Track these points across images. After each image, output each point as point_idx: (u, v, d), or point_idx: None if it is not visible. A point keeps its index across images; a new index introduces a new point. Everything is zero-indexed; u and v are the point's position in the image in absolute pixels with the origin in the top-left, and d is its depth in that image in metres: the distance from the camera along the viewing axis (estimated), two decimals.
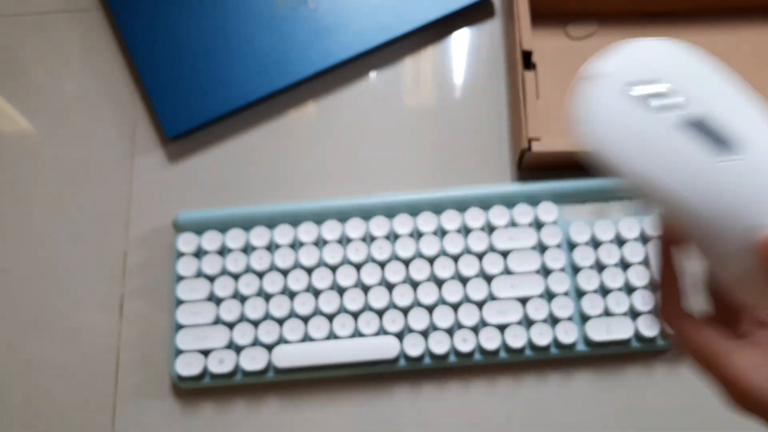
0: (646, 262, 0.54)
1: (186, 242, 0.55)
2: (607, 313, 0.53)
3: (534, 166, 0.59)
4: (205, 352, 0.53)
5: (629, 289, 0.54)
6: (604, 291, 0.54)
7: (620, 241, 0.55)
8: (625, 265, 0.54)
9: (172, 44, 0.61)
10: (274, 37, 0.61)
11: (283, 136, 0.62)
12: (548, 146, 0.55)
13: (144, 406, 0.54)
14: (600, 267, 0.54)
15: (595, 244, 0.55)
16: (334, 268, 0.54)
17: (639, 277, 0.53)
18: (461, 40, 0.64)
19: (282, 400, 0.54)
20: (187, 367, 0.52)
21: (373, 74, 0.63)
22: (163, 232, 0.58)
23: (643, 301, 0.53)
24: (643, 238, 0.55)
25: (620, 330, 0.52)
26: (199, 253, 0.56)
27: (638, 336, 0.53)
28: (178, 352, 0.53)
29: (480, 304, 0.53)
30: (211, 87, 0.60)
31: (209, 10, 0.62)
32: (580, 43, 0.63)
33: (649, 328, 0.52)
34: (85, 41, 0.65)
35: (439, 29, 0.64)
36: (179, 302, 0.54)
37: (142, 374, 0.55)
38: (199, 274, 0.55)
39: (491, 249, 0.55)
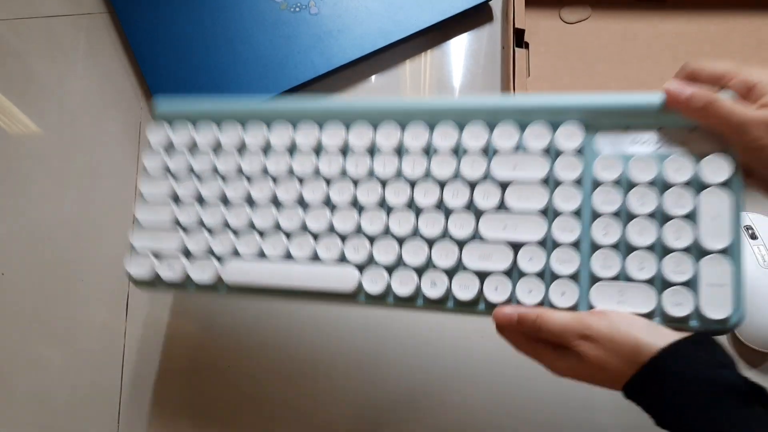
0: (693, 217, 0.40)
1: (158, 133, 0.50)
2: (624, 276, 0.40)
3: None
4: (158, 255, 0.49)
5: (663, 251, 0.40)
6: (626, 248, 0.41)
7: (663, 186, 0.41)
8: (664, 217, 0.40)
9: (177, 47, 0.62)
10: (276, 41, 0.62)
11: None
12: None
13: (148, 402, 0.55)
14: (628, 216, 0.41)
15: (628, 185, 0.41)
16: (301, 180, 0.47)
17: (679, 235, 0.39)
18: (460, 44, 0.64)
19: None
20: (139, 268, 0.48)
21: (373, 78, 0.63)
22: None
23: (676, 268, 0.39)
24: (698, 185, 0.40)
25: (636, 301, 0.39)
26: (176, 147, 0.50)
27: (661, 313, 0.40)
28: (133, 249, 0.49)
29: (461, 243, 0.43)
30: (214, 90, 0.61)
31: (213, 14, 0.63)
32: (574, 26, 0.63)
33: (677, 305, 0.39)
34: (91, 44, 0.66)
35: (438, 34, 0.64)
36: (141, 197, 0.50)
37: (148, 372, 0.56)
38: (168, 171, 0.50)
39: (488, 176, 0.43)
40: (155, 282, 0.48)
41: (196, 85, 0.61)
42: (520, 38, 0.58)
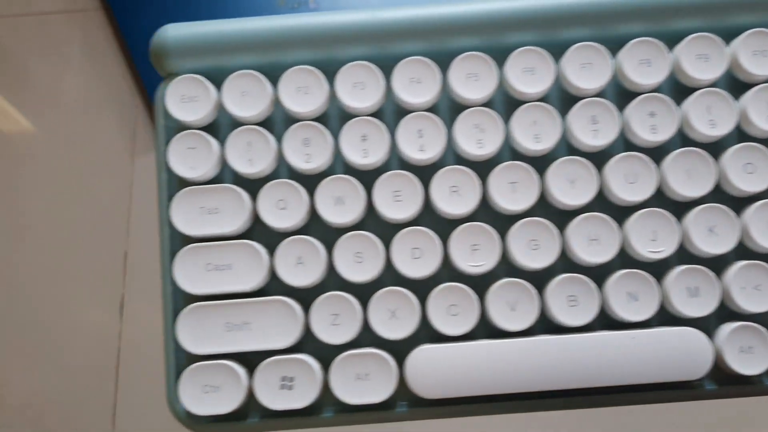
0: None
1: (187, 97, 0.24)
2: None
3: None
4: (246, 359, 0.24)
5: None
6: None
7: None
8: None
9: None
10: None
11: None
12: None
13: (145, 407, 0.53)
14: None
15: None
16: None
17: None
18: None
19: None
20: (206, 397, 0.23)
21: None
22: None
23: None
24: None
25: None
26: (215, 126, 0.25)
27: None
28: (186, 358, 0.24)
29: None
30: None
31: (210, 10, 0.62)
32: None
33: None
34: (86, 41, 0.64)
35: None
36: (182, 240, 0.25)
37: (143, 375, 0.54)
38: (220, 176, 0.25)
39: None
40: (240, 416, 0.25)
41: None
42: None
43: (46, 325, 0.57)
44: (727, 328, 0.23)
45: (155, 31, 0.63)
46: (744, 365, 0.22)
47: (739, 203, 0.23)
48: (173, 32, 0.25)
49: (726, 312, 0.23)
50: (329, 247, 0.23)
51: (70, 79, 0.64)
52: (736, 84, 0.24)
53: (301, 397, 0.23)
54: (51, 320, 0.57)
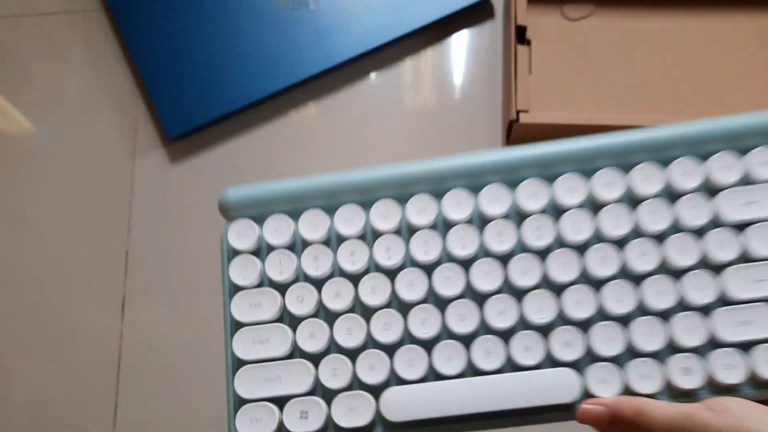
0: None
1: (241, 233, 0.37)
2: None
3: (522, 140, 0.57)
4: (278, 401, 0.36)
5: None
6: None
7: None
8: None
9: (173, 45, 0.62)
10: (275, 38, 0.62)
11: (284, 136, 0.62)
12: (537, 119, 0.56)
13: (145, 406, 0.54)
14: None
15: None
16: (465, 264, 0.36)
17: None
18: (460, 41, 0.65)
19: None
20: (254, 425, 0.35)
21: (373, 75, 0.64)
22: (164, 231, 0.59)
23: None
24: None
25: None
26: (259, 250, 0.38)
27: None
28: (239, 401, 0.36)
29: (705, 311, 0.34)
30: (212, 88, 0.61)
31: (210, 11, 0.63)
32: (576, 23, 0.63)
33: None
34: (87, 42, 0.65)
35: (439, 31, 0.65)
36: (236, 325, 0.37)
37: (144, 374, 0.55)
38: (262, 282, 0.37)
39: (717, 222, 0.35)
40: None
41: (193, 83, 0.61)
42: (522, 35, 0.59)
43: (48, 325, 0.56)
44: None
45: (154, 31, 0.62)
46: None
47: None
48: (233, 194, 0.38)
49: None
50: (330, 323, 0.36)
51: (70, 79, 0.64)
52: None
53: (313, 424, 0.35)
54: (53, 320, 0.57)
